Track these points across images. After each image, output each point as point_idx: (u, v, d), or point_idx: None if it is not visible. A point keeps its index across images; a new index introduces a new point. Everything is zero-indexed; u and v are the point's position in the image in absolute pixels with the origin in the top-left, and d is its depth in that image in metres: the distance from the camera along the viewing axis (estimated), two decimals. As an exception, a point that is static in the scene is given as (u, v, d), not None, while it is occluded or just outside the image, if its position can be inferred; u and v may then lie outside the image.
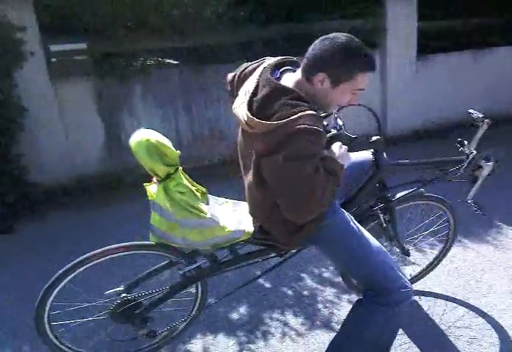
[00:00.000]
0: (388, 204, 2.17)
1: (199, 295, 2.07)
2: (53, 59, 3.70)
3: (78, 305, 2.06)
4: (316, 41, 1.64)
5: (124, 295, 1.91)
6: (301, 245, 1.97)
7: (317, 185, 1.56)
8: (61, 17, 3.65)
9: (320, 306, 2.45)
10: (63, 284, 1.83)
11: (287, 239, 1.86)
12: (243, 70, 1.82)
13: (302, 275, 2.70)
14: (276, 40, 4.56)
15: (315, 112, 1.57)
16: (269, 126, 1.55)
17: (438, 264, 2.55)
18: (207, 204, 1.89)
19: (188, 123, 4.30)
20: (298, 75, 1.68)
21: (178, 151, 1.78)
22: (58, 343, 1.94)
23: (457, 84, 5.25)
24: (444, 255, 2.52)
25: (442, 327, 2.28)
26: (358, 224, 1.88)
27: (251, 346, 2.20)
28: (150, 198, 1.84)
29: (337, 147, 1.74)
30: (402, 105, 4.98)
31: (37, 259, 2.93)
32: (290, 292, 2.57)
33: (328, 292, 2.54)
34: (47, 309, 1.84)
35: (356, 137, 1.85)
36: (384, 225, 2.20)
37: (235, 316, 2.40)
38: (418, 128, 5.16)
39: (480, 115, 2.09)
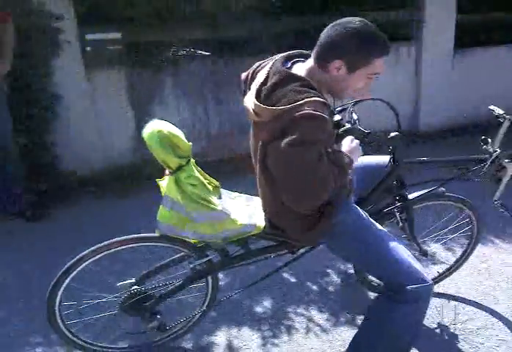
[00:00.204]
0: (405, 203, 2.12)
1: (210, 290, 2.06)
2: (88, 48, 3.74)
3: (90, 299, 2.11)
4: (328, 27, 1.63)
5: (134, 287, 1.92)
6: (314, 242, 1.96)
7: (319, 172, 1.55)
8: (98, 6, 3.70)
9: (345, 302, 2.44)
10: (72, 275, 1.86)
11: (300, 236, 1.85)
12: (256, 68, 1.82)
13: (328, 271, 2.69)
14: (309, 32, 4.51)
15: (322, 99, 1.56)
16: (275, 111, 1.55)
17: (459, 267, 2.48)
18: (220, 198, 1.89)
19: (217, 115, 4.31)
20: (309, 63, 1.67)
21: (190, 143, 1.77)
22: (71, 336, 1.97)
23: (493, 79, 5.10)
24: (467, 258, 2.45)
25: (470, 327, 2.24)
26: (373, 220, 1.86)
27: (275, 340, 2.21)
28: (162, 193, 1.85)
29: (348, 141, 1.73)
30: (436, 100, 4.87)
31: (67, 245, 2.99)
32: (315, 287, 2.56)
33: (354, 289, 2.52)
34: (57, 301, 1.88)
35: (369, 132, 1.81)
36: (401, 224, 2.16)
37: (259, 310, 2.41)
38: (452, 124, 5.04)
39: (502, 111, 2.04)
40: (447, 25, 4.71)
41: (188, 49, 4.12)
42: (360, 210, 1.88)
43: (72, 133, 3.77)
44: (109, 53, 3.90)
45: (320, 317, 2.35)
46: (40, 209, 3.45)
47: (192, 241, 1.91)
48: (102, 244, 1.87)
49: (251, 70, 1.84)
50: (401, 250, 1.79)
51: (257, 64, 1.84)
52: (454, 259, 2.54)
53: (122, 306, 1.93)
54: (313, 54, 1.66)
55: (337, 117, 1.79)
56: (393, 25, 4.69)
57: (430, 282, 1.75)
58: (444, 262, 2.72)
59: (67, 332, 1.96)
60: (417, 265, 1.77)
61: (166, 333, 2.10)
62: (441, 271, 2.53)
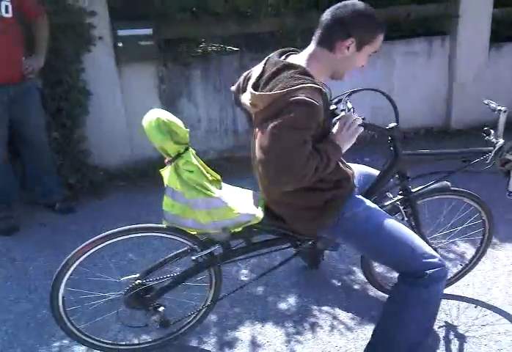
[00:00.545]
0: (409, 196, 2.08)
1: (213, 284, 2.07)
2: (120, 44, 3.78)
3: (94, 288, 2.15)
4: (329, 10, 1.70)
5: (137, 281, 1.95)
6: (315, 234, 1.96)
7: (300, 157, 1.58)
8: (130, 2, 3.73)
9: (370, 301, 2.41)
10: (77, 264, 1.90)
11: (301, 227, 1.88)
12: (246, 75, 1.87)
13: (354, 268, 2.66)
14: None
15: (318, 86, 1.60)
16: (270, 96, 1.60)
17: (474, 266, 2.43)
18: (220, 188, 1.91)
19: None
20: (308, 50, 1.74)
21: (187, 129, 1.80)
22: (75, 330, 1.99)
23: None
24: (482, 254, 2.38)
25: (500, 329, 2.19)
26: (379, 209, 1.89)
27: (299, 337, 2.20)
28: (165, 183, 1.88)
29: (341, 129, 1.76)
30: (470, 96, 4.74)
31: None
32: (340, 285, 2.54)
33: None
34: (61, 290, 1.90)
35: (364, 118, 1.84)
36: (406, 219, 2.12)
37: (283, 306, 2.41)
38: (485, 121, 4.90)
39: (495, 104, 2.05)
40: (483, 18, 4.58)
41: (217, 45, 4.12)
42: (368, 201, 1.91)
43: (103, 128, 3.83)
44: (140, 49, 3.93)
45: (344, 315, 2.33)
46: (70, 202, 3.53)
47: (194, 233, 1.93)
48: (109, 232, 1.90)
49: (241, 79, 1.89)
50: (413, 235, 1.85)
51: (246, 73, 1.89)
52: (468, 257, 2.49)
53: (123, 298, 1.95)
54: (316, 39, 1.73)
55: (332, 106, 1.84)
56: (427, 19, 4.59)
57: (445, 264, 1.81)
58: (457, 261, 2.67)
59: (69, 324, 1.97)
60: (429, 248, 1.83)
61: (171, 329, 2.11)
62: (455, 271, 2.47)
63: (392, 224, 1.85)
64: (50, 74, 3.46)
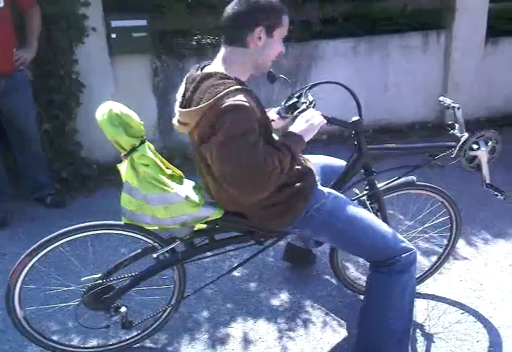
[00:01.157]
0: (375, 191, 2.07)
1: (177, 283, 2.04)
2: (113, 35, 3.74)
3: (52, 289, 2.13)
4: (227, 10, 1.68)
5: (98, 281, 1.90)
6: (284, 230, 1.94)
7: (256, 160, 1.56)
8: (124, -8, 3.68)
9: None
10: (34, 261, 1.86)
11: (267, 223, 1.87)
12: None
13: (346, 264, 2.65)
14: (336, 19, 4.43)
15: (242, 87, 1.59)
16: (199, 110, 1.59)
17: (444, 262, 2.42)
18: (180, 184, 1.88)
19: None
20: (221, 55, 1.72)
21: (142, 122, 1.77)
22: (29, 329, 1.94)
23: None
24: (450, 252, 2.38)
25: (496, 324, 2.20)
26: (346, 198, 1.91)
27: (291, 333, 2.19)
28: (123, 179, 1.85)
29: (302, 121, 1.75)
30: (465, 91, 4.73)
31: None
32: (333, 281, 2.54)
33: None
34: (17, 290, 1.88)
35: (323, 114, 1.83)
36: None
37: (276, 303, 2.40)
38: (480, 116, 4.90)
39: (450, 101, 2.09)
40: (480, 13, 4.55)
41: (212, 37, 4.08)
42: (334, 192, 1.92)
43: (94, 121, 3.76)
44: (134, 41, 3.88)
45: (337, 312, 2.32)
46: (61, 196, 3.49)
47: (153, 228, 1.89)
48: (66, 229, 1.86)
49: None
50: (381, 223, 1.90)
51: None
52: (436, 255, 2.48)
53: (82, 299, 1.91)
54: (225, 41, 1.71)
55: (293, 100, 1.87)
56: (423, 12, 4.56)
57: (414, 249, 1.87)
58: (426, 258, 2.66)
59: (23, 320, 1.93)
60: (397, 234, 1.89)
61: (135, 331, 2.08)
62: (425, 269, 2.46)
63: (361, 212, 1.88)
64: (42, 65, 3.42)
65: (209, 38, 4.08)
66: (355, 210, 1.87)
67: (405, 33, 4.50)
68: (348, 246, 1.94)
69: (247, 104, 1.56)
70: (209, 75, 1.65)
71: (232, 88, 1.58)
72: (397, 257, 1.82)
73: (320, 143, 4.28)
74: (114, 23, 3.68)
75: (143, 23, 3.74)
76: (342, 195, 1.93)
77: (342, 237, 1.87)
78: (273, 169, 1.59)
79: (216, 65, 1.72)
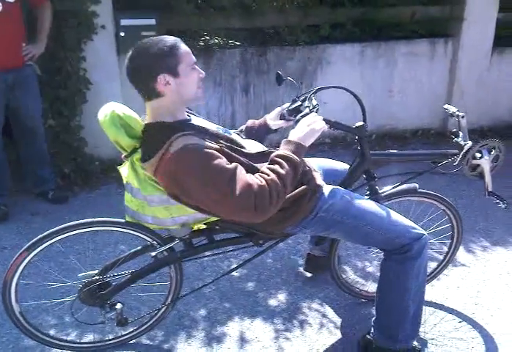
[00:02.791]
0: (376, 197, 2.07)
1: (174, 282, 2.04)
2: (122, 34, 3.76)
3: (49, 285, 2.14)
4: (126, 62, 1.68)
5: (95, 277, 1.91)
6: (290, 232, 1.95)
7: (244, 184, 1.57)
8: (134, -9, 3.71)
9: (360, 300, 2.41)
10: (32, 256, 1.86)
11: (269, 228, 1.87)
12: None
13: (344, 267, 2.66)
14: (345, 24, 4.45)
15: (180, 133, 1.61)
16: (151, 165, 1.65)
17: (442, 270, 2.42)
18: None
19: (244, 105, 4.29)
20: (148, 110, 1.75)
21: (143, 122, 1.77)
22: (25, 323, 1.95)
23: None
24: (449, 260, 2.38)
25: (491, 331, 2.19)
26: (352, 194, 1.92)
27: (287, 334, 2.20)
28: (124, 180, 1.87)
29: (303, 125, 1.75)
30: (469, 100, 4.73)
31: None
32: (330, 283, 2.53)
33: (370, 287, 2.49)
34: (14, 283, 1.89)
35: (325, 119, 1.82)
36: None
37: (273, 303, 2.40)
38: (484, 126, 4.90)
39: (454, 109, 2.09)
40: (488, 22, 4.56)
41: (220, 38, 4.10)
42: (340, 189, 1.94)
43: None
44: (142, 40, 3.91)
45: (333, 313, 2.33)
46: (63, 191, 3.51)
47: (153, 227, 1.90)
48: (68, 224, 1.87)
49: None
50: (390, 213, 1.90)
51: None
52: (436, 262, 2.48)
53: (79, 295, 1.92)
54: (143, 98, 1.72)
55: (297, 103, 1.87)
56: (432, 20, 4.58)
57: (425, 233, 1.90)
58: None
59: (19, 315, 1.94)
60: (408, 221, 1.91)
61: (131, 328, 2.09)
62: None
63: (369, 205, 1.90)
64: (50, 61, 3.44)
65: (217, 39, 4.10)
66: (363, 205, 1.89)
67: (412, 40, 4.51)
68: (361, 240, 1.98)
69: (192, 146, 1.59)
70: (150, 128, 1.70)
71: (170, 140, 1.61)
72: (409, 244, 1.84)
73: (324, 147, 4.31)
74: (123, 22, 3.70)
75: (152, 22, 3.75)
76: (348, 191, 1.94)
77: (354, 233, 1.89)
78: (270, 184, 1.60)
79: (151, 119, 1.73)
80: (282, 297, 2.45)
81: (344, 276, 2.34)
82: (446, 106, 2.18)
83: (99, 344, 2.09)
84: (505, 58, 4.78)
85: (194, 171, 1.58)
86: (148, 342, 2.15)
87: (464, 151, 2.08)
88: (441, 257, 2.46)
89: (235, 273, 2.60)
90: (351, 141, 1.96)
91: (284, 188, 1.63)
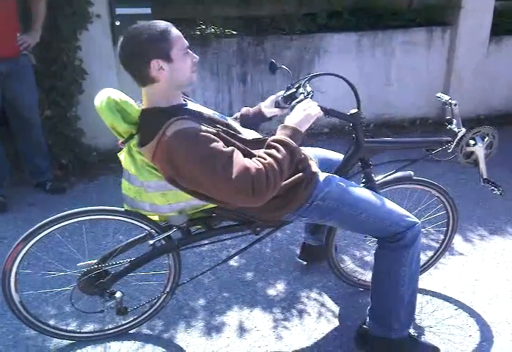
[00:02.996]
0: (371, 184, 2.08)
1: (172, 270, 2.05)
2: (117, 23, 3.73)
3: (49, 274, 2.14)
4: (118, 51, 1.67)
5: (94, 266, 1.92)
6: (287, 219, 1.96)
7: (239, 167, 1.58)
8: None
9: (358, 289, 2.42)
10: (31, 245, 1.87)
11: (265, 215, 1.88)
12: None
13: (343, 256, 2.68)
14: (341, 13, 4.42)
15: (176, 118, 1.62)
16: (148, 149, 1.65)
17: (439, 258, 2.44)
18: None
19: (241, 95, 4.27)
20: (144, 95, 1.74)
21: (140, 108, 1.76)
22: (25, 312, 1.96)
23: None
24: (446, 248, 2.39)
25: (489, 320, 2.21)
26: (347, 182, 1.93)
27: (286, 323, 2.21)
28: (123, 167, 1.88)
29: (299, 111, 1.77)
30: (467, 89, 4.73)
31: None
32: (328, 272, 2.54)
33: (368, 276, 2.50)
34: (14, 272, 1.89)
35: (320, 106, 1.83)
36: None
37: (272, 292, 2.42)
38: (481, 114, 4.90)
39: (447, 97, 2.11)
40: (485, 11, 4.54)
41: (216, 27, 4.07)
42: (336, 176, 1.94)
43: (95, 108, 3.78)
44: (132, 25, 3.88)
45: (332, 303, 2.34)
46: (61, 182, 3.50)
47: (154, 218, 1.92)
48: (66, 213, 1.88)
49: None
50: (385, 201, 1.92)
51: None
52: (432, 250, 2.49)
53: (78, 283, 1.93)
54: (138, 84, 1.71)
55: (292, 90, 1.89)
56: (429, 9, 4.56)
57: (418, 221, 1.91)
58: (423, 252, 2.66)
59: (19, 304, 1.94)
60: (402, 209, 1.92)
61: (131, 317, 2.10)
62: (422, 263, 2.45)
63: (364, 193, 1.92)
64: (45, 51, 3.42)
65: (213, 28, 4.07)
66: (358, 193, 1.90)
67: (409, 29, 4.50)
68: (356, 228, 2.00)
69: (192, 128, 1.60)
70: (147, 113, 1.71)
71: (168, 123, 1.61)
72: (403, 232, 1.86)
73: (322, 137, 4.31)
74: (119, 11, 3.67)
75: (147, 11, 3.72)
76: (343, 179, 1.95)
77: (349, 221, 1.91)
78: (267, 168, 1.60)
79: (148, 104, 1.74)
80: (280, 286, 2.46)
81: (342, 266, 2.36)
82: (439, 95, 2.19)
83: (99, 333, 2.10)
84: (503, 47, 4.77)
85: (191, 154, 1.58)
86: (148, 331, 2.16)
87: (458, 138, 2.09)
88: (437, 245, 2.47)
89: (233, 263, 2.61)
90: (349, 131, 1.96)
91: (281, 172, 1.64)
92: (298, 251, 2.69)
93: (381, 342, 1.97)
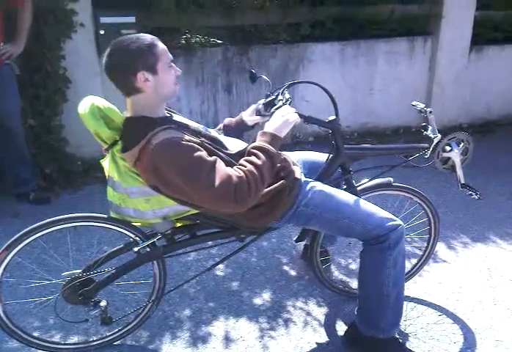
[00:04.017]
0: (352, 190, 2.11)
1: (157, 279, 2.05)
2: (102, 32, 3.72)
3: (33, 283, 2.12)
4: (104, 59, 1.70)
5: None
6: (273, 226, 1.98)
7: (231, 175, 1.62)
8: (113, -11, 3.67)
9: (345, 297, 2.43)
10: (16, 250, 1.86)
11: (250, 223, 1.91)
12: None
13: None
14: (325, 23, 4.47)
15: (162, 127, 1.65)
16: (132, 155, 1.68)
17: (423, 265, 2.46)
18: None
19: (226, 104, 4.28)
20: (128, 106, 1.77)
21: (123, 115, 1.78)
22: (9, 323, 1.92)
23: (510, 78, 5.02)
24: (430, 253, 2.41)
25: (473, 326, 2.23)
26: (330, 187, 1.96)
27: (272, 333, 2.21)
28: (106, 174, 1.89)
29: (277, 117, 1.80)
30: (448, 97, 4.81)
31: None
32: (314, 281, 2.55)
33: (355, 285, 2.52)
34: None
35: (297, 112, 1.87)
36: None
37: (258, 302, 2.41)
38: (463, 123, 4.98)
39: (422, 105, 2.17)
40: (465, 21, 4.63)
41: (201, 36, 4.08)
42: (317, 182, 1.97)
43: (79, 117, 3.75)
44: (119, 37, 3.88)
45: (318, 311, 2.35)
46: (45, 192, 3.46)
47: (138, 224, 1.92)
48: (48, 220, 1.88)
49: None
50: (368, 205, 1.95)
51: None
52: (416, 258, 2.51)
53: (62, 293, 1.91)
54: (123, 94, 1.74)
55: (271, 97, 1.93)
56: (411, 19, 4.63)
57: (401, 223, 1.93)
58: (407, 259, 2.68)
59: (2, 314, 1.91)
60: (384, 212, 1.95)
61: (116, 328, 2.09)
62: (406, 271, 2.48)
63: (347, 198, 1.95)
64: (29, 60, 3.40)
65: (198, 37, 4.09)
66: (341, 198, 1.93)
67: (392, 38, 4.56)
68: (340, 232, 2.02)
69: (172, 139, 1.63)
70: (129, 122, 1.74)
71: (152, 133, 1.64)
72: (386, 234, 1.89)
73: (307, 145, 4.33)
74: (103, 19, 3.67)
75: (131, 19, 3.73)
76: (325, 186, 1.98)
77: (333, 225, 1.93)
78: (248, 175, 1.64)
79: (132, 114, 1.76)
80: (266, 296, 2.46)
81: (328, 274, 2.36)
82: (414, 103, 2.24)
83: (84, 345, 2.07)
84: (483, 56, 4.86)
85: (176, 162, 1.61)
86: (133, 343, 2.14)
87: (434, 144, 2.14)
88: (421, 253, 2.49)
89: (219, 273, 2.60)
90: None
91: (262, 177, 1.67)
92: (284, 260, 2.70)
93: (368, 341, 2.00)
